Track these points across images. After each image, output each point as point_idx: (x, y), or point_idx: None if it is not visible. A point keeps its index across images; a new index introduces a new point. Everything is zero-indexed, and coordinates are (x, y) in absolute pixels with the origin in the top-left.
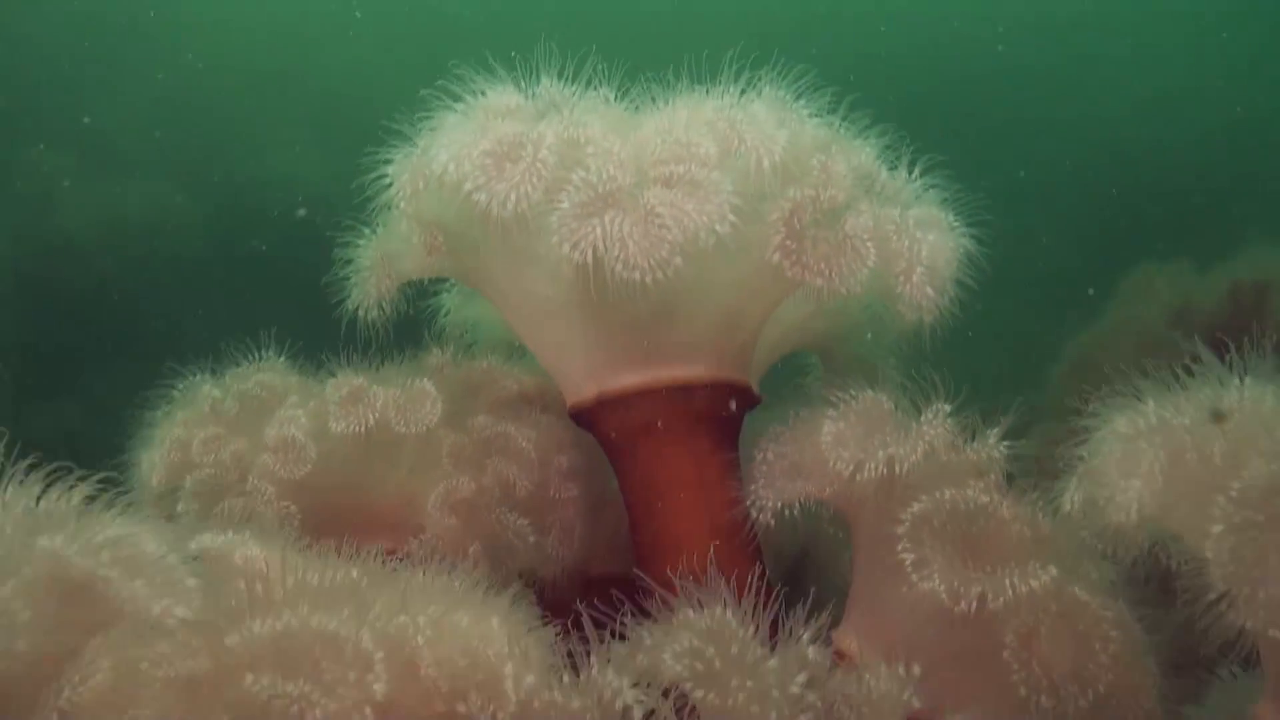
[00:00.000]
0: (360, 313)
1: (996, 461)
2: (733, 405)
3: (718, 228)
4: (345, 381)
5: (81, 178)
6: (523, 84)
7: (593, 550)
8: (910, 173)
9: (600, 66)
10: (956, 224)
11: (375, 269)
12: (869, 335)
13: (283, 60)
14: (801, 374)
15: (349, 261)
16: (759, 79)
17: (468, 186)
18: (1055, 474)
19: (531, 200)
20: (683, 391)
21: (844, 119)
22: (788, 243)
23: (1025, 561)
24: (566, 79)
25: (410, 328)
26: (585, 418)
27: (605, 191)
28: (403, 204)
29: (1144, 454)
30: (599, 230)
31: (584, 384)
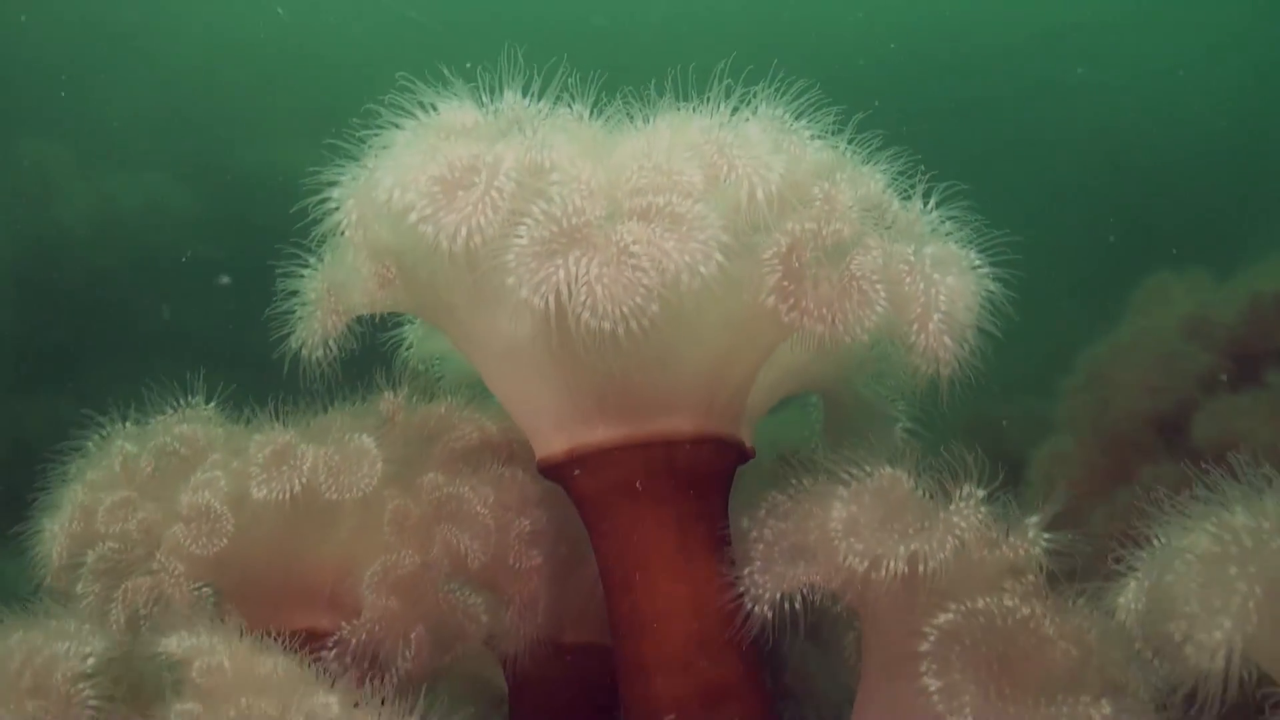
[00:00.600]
0: (305, 352)
1: (1036, 559)
2: (722, 463)
3: (702, 269)
4: (270, 439)
5: (77, 171)
6: (485, 98)
7: (565, 617)
8: (926, 203)
9: (575, 79)
10: (978, 262)
11: (321, 303)
12: (875, 375)
13: (284, 52)
14: (802, 406)
15: (293, 293)
16: (753, 96)
17: (413, 217)
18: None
19: (486, 234)
20: (665, 448)
21: (850, 141)
22: (785, 284)
23: (1075, 692)
24: (535, 93)
25: (377, 356)
26: (555, 474)
27: (571, 226)
28: (349, 231)
29: (1235, 584)
30: (561, 273)
31: (553, 437)
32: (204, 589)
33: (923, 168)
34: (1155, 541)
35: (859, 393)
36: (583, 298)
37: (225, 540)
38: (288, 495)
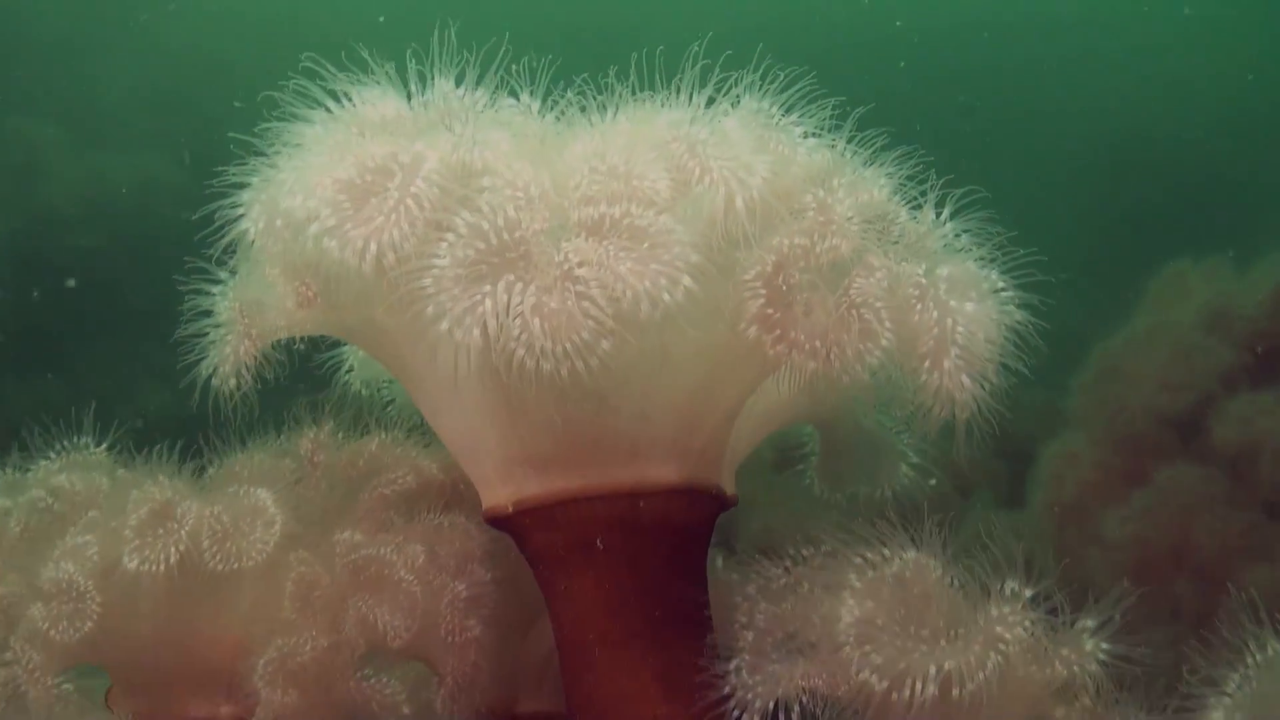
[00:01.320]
0: (216, 382)
1: (1093, 675)
2: (699, 516)
3: (666, 298)
4: (147, 496)
5: (66, 149)
6: (416, 87)
7: (519, 683)
8: (939, 213)
9: (527, 64)
10: (1001, 284)
11: (234, 325)
12: (879, 402)
13: (283, 28)
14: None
15: (206, 313)
16: (734, 85)
17: (314, 229)
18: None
19: (402, 250)
20: (630, 499)
21: (851, 140)
22: (770, 311)
23: None
24: (474, 81)
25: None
26: (503, 527)
27: (502, 244)
28: (259, 242)
29: None
30: (489, 303)
31: (499, 486)
32: (65, 687)
33: (934, 172)
34: (1249, 658)
35: (860, 424)
36: (516, 333)
37: (90, 622)
38: (162, 566)
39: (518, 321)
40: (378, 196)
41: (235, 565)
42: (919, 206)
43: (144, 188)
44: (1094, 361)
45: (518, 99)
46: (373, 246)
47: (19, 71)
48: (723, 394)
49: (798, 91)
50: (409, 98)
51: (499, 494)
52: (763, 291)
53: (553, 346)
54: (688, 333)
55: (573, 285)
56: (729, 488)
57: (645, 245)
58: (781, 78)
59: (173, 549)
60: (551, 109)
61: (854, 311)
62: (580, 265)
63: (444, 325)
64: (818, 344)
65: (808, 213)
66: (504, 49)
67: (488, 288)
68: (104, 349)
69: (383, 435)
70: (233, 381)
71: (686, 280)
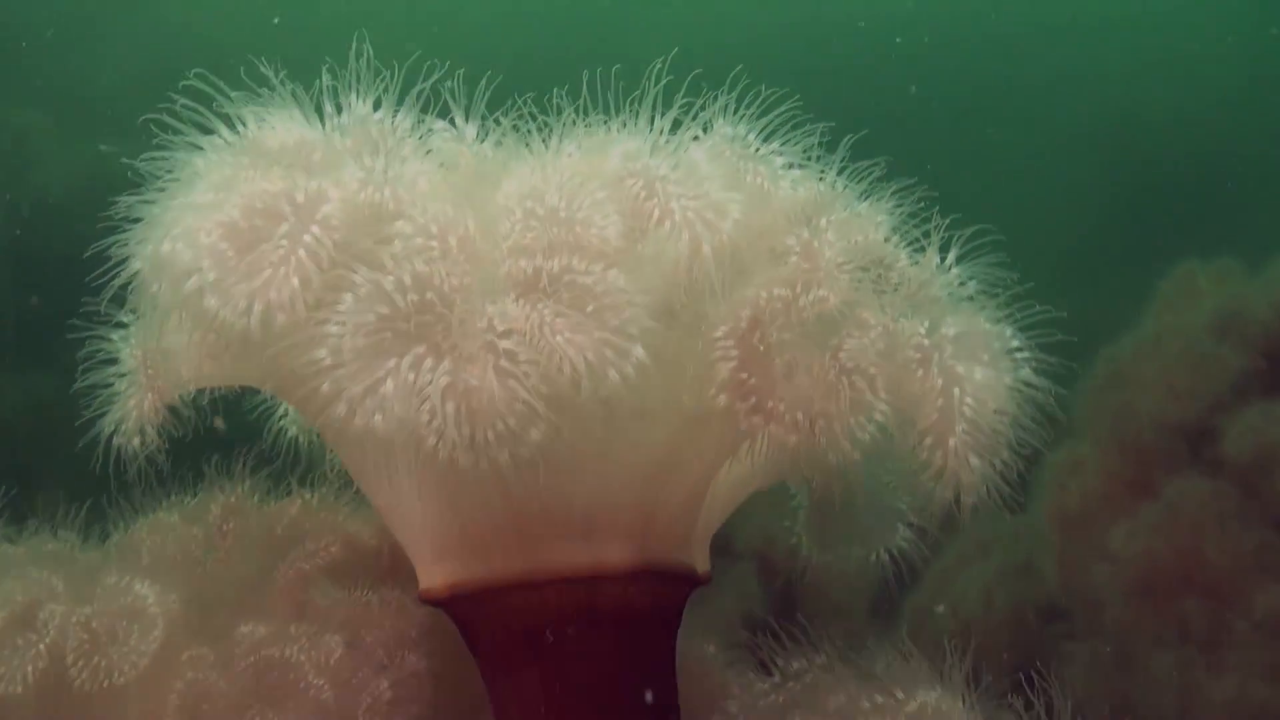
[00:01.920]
0: (118, 440)
1: None
2: (664, 601)
3: (612, 374)
4: (8, 597)
5: (58, 137)
6: (334, 107)
7: None
8: (944, 256)
9: (466, 80)
10: (1017, 342)
11: (137, 376)
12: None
13: (280, 13)
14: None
15: (111, 360)
16: (707, 107)
17: (192, 284)
18: None
19: (294, 311)
20: (584, 586)
21: (844, 169)
22: (743, 375)
23: None
24: (401, 99)
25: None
26: (442, 609)
27: (410, 307)
28: (152, 286)
29: None
30: (391, 383)
31: (433, 565)
32: None
33: (939, 207)
34: None
35: (853, 480)
36: (425, 419)
37: None
38: (19, 688)
39: (426, 408)
40: (267, 244)
41: (105, 683)
42: (922, 247)
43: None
44: (1100, 366)
45: (452, 123)
46: (257, 307)
47: (8, 57)
48: (691, 464)
49: (781, 115)
50: (325, 120)
51: (434, 575)
52: (735, 352)
53: (474, 435)
54: (644, 403)
55: (497, 359)
56: (701, 564)
57: (590, 308)
58: (762, 98)
59: (28, 667)
60: (496, 133)
61: (844, 378)
62: (508, 333)
63: (340, 409)
64: (800, 416)
65: (790, 257)
66: (440, 64)
67: (391, 363)
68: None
69: (307, 496)
70: (137, 440)
71: (638, 352)
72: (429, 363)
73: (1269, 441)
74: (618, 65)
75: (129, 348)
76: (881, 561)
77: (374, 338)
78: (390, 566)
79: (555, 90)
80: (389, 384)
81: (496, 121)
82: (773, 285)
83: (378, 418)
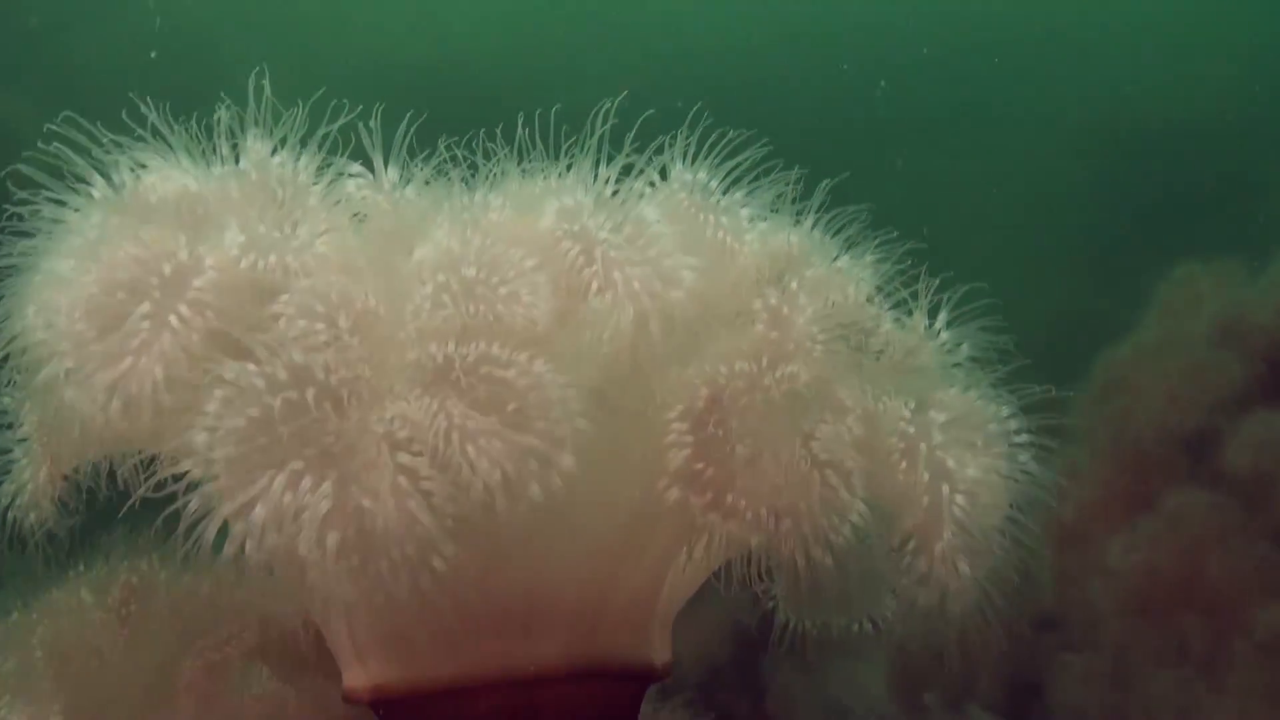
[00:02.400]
0: (13, 513)
1: None
2: (618, 702)
3: (535, 488)
4: None
5: (42, 126)
6: (229, 148)
7: None
8: (934, 318)
9: (389, 116)
10: (1016, 423)
11: (33, 444)
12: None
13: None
14: None
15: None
16: (661, 150)
17: (49, 370)
18: None
19: (161, 404)
20: (521, 690)
21: (819, 215)
22: (698, 466)
23: None
24: (315, 138)
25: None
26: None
27: (287, 408)
28: (33, 350)
29: None
30: (260, 510)
31: (355, 664)
32: None
33: (929, 260)
34: None
35: (834, 546)
36: (304, 549)
37: None
38: None
39: (308, 536)
40: (130, 324)
41: None
42: (909, 306)
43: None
44: (1098, 373)
45: (370, 166)
46: (115, 403)
47: None
48: (643, 555)
49: (749, 157)
50: (222, 163)
51: (356, 675)
52: (689, 438)
53: (362, 565)
54: (583, 495)
55: (394, 475)
56: (660, 655)
57: (510, 407)
58: (727, 140)
59: None
60: (422, 175)
61: (816, 471)
62: (408, 441)
63: (210, 532)
64: (764, 513)
65: (756, 324)
66: (360, 97)
67: (263, 481)
68: None
69: (222, 570)
70: (33, 515)
71: (567, 461)
72: (308, 481)
73: (1272, 454)
74: (558, 105)
75: (24, 412)
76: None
77: (244, 447)
78: (313, 653)
79: (491, 127)
80: (260, 511)
81: (425, 161)
82: (735, 358)
83: (249, 545)
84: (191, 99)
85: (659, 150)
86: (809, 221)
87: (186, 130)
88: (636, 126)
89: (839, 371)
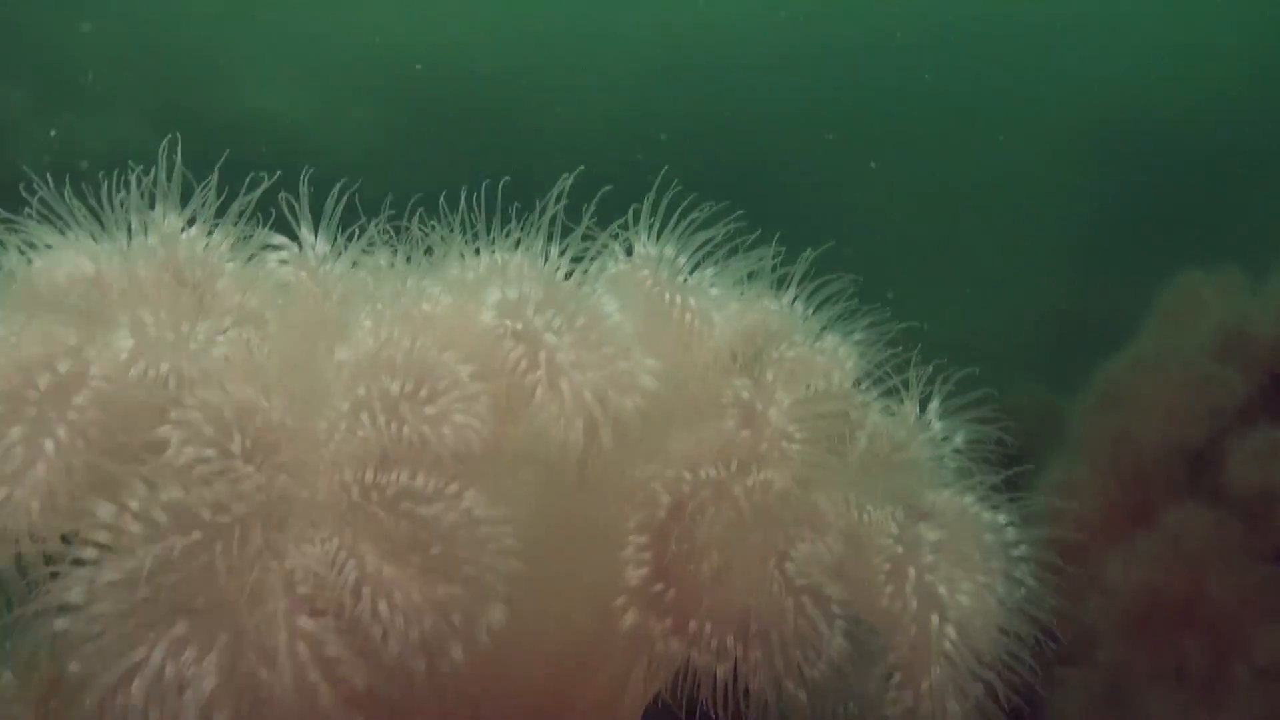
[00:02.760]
0: None
1: None
2: None
3: (457, 650)
4: None
5: (37, 114)
6: (139, 223)
7: None
8: (925, 406)
9: (319, 181)
10: (1013, 534)
11: None
12: None
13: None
14: None
15: None
16: (621, 223)
17: None
18: None
19: (41, 536)
20: None
21: (803, 289)
22: (658, 587)
23: None
24: (233, 207)
25: None
26: None
27: (168, 558)
28: None
29: None
30: (142, 686)
31: None
32: None
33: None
34: None
35: None
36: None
37: None
38: None
39: (191, 715)
40: (3, 446)
41: None
42: (892, 384)
43: (120, 155)
44: (1098, 384)
45: (299, 242)
46: None
47: None
48: (597, 676)
49: (722, 230)
50: (131, 238)
51: None
52: (649, 554)
53: None
54: (526, 630)
55: (293, 640)
56: None
57: (432, 550)
58: (700, 212)
59: None
60: (354, 249)
61: (790, 598)
62: (312, 595)
63: (89, 702)
64: (730, 641)
65: (725, 420)
66: (289, 162)
67: (141, 650)
68: None
69: None
70: None
71: (496, 613)
72: (191, 651)
73: (1274, 471)
74: (507, 177)
75: None
76: None
77: (121, 604)
78: None
79: (433, 197)
80: (137, 683)
81: (361, 229)
82: (701, 461)
83: None
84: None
85: (625, 225)
86: (790, 293)
87: (94, 200)
88: (597, 198)
89: (818, 476)
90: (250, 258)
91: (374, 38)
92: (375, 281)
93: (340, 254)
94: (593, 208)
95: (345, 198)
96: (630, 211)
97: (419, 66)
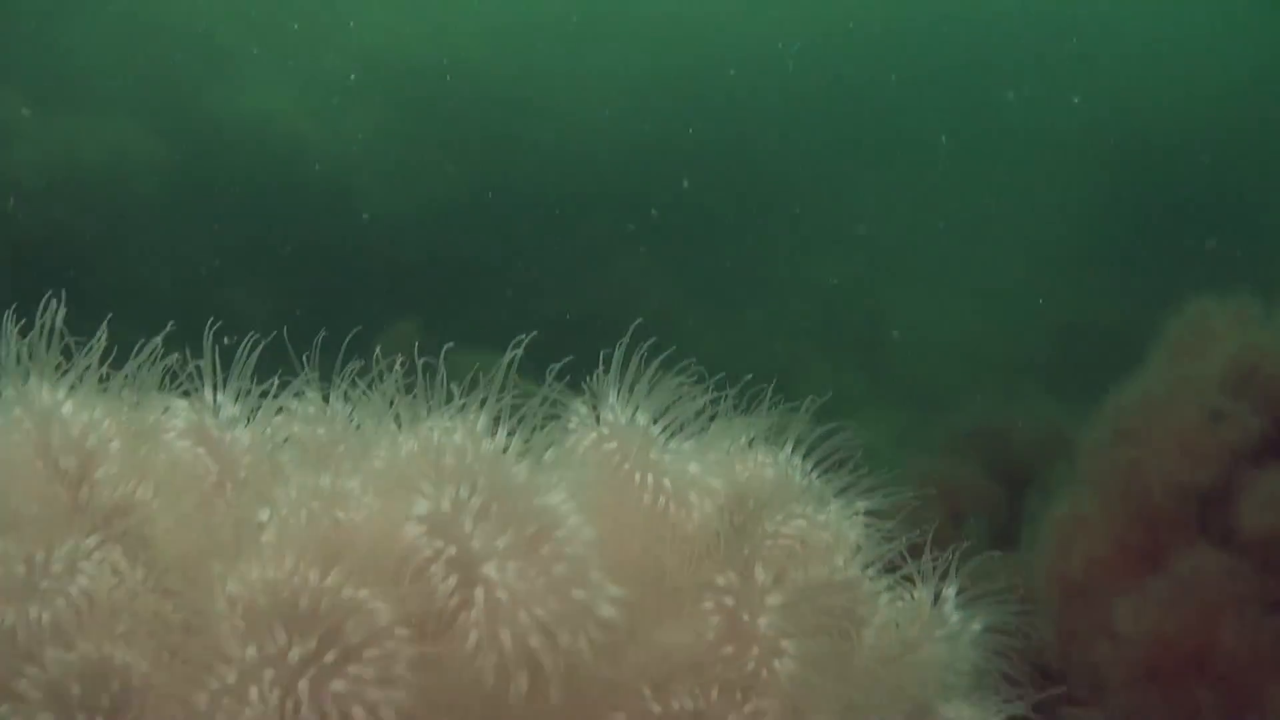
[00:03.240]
0: None
1: None
2: None
3: None
4: None
5: (34, 115)
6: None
7: None
8: (939, 590)
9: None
10: None
11: None
12: None
13: None
14: None
15: None
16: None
17: None
18: None
19: None
20: None
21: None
22: None
23: None
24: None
25: None
26: None
27: None
28: None
29: None
30: None
31: None
32: None
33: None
34: None
35: None
36: None
37: None
38: None
39: None
40: None
41: None
42: (901, 568)
43: (117, 155)
44: (1108, 418)
45: (215, 398)
46: None
47: None
48: None
49: (708, 382)
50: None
51: None
52: None
53: None
54: None
55: None
56: None
57: None
58: (676, 366)
59: None
60: (268, 415)
61: None
62: None
63: None
64: None
65: (706, 631)
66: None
67: None
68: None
69: None
70: None
71: None
72: None
73: None
74: (450, 344)
75: None
76: None
77: None
78: None
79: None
80: None
81: (285, 384)
82: (674, 686)
83: None
84: None
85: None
86: (788, 447)
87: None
88: (563, 362)
89: (817, 696)
90: (137, 434)
91: (374, 38)
92: (294, 453)
93: (253, 414)
94: (555, 370)
95: (259, 349)
96: (600, 360)
97: (448, 78)
